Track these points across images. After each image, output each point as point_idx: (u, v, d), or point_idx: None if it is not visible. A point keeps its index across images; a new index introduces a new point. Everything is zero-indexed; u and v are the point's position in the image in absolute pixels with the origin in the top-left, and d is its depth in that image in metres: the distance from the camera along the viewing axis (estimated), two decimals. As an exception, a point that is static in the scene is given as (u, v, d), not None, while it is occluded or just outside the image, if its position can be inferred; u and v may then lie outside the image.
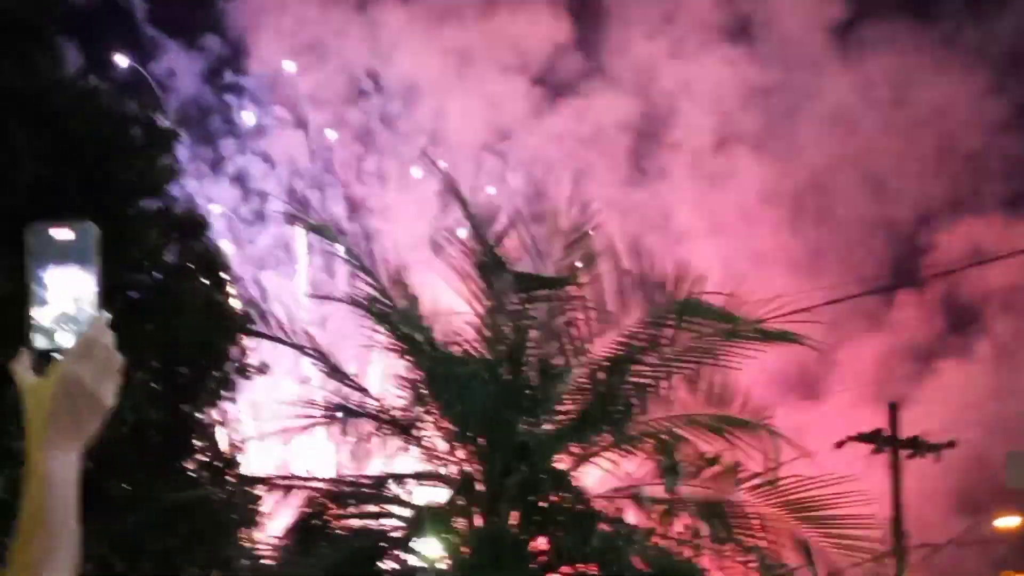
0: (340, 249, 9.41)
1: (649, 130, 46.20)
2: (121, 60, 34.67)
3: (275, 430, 9.79)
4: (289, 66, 43.01)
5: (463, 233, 9.33)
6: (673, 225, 44.00)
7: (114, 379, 1.65)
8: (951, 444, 19.50)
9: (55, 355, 1.64)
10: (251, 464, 13.42)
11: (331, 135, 44.23)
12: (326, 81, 45.18)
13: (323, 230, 9.45)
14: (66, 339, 1.65)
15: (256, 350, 14.00)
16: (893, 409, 19.73)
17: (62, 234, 1.68)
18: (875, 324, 42.28)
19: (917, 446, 19.20)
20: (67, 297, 1.67)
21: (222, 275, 14.16)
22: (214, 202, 42.29)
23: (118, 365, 1.66)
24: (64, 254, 1.67)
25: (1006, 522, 21.88)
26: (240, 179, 44.11)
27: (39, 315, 1.66)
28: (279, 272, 42.09)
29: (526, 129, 46.05)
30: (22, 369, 1.64)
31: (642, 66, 45.89)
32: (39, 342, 1.65)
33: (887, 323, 42.58)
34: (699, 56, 46.02)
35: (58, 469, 1.59)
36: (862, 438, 19.24)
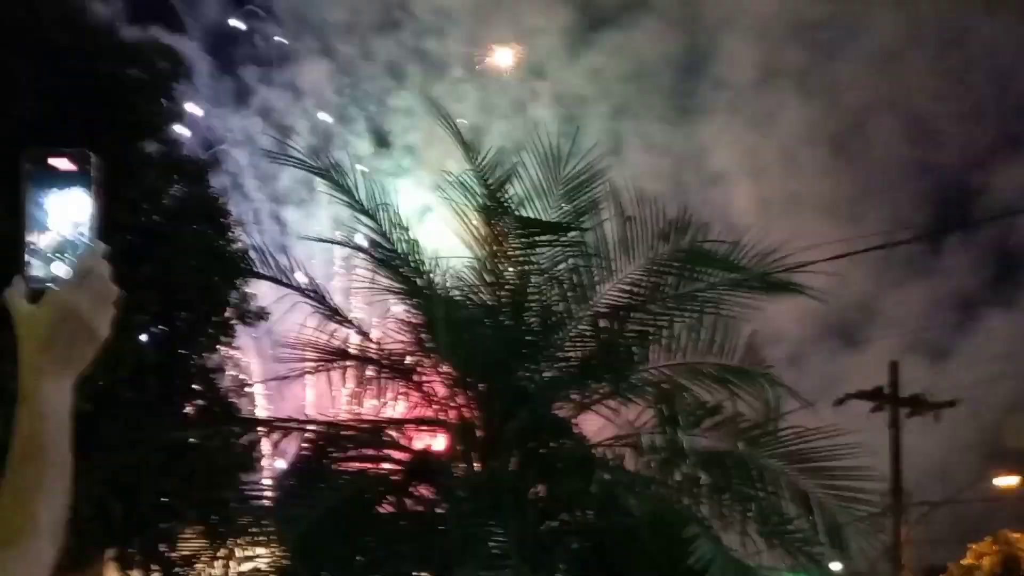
0: (342, 192, 9.26)
1: (690, 65, 45.42)
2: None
3: (277, 374, 9.75)
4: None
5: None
6: (710, 165, 43.45)
7: (109, 310, 1.63)
8: (951, 403, 19.50)
9: (51, 284, 1.61)
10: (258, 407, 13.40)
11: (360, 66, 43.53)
12: (355, 8, 44.42)
13: (323, 173, 9.31)
14: (62, 268, 1.62)
15: (256, 296, 13.96)
16: (894, 367, 19.71)
17: (60, 161, 1.65)
18: (921, 271, 41.74)
19: (917, 404, 19.20)
20: (64, 225, 1.64)
21: (223, 220, 14.09)
22: (235, 135, 41.93)
23: (114, 296, 1.64)
24: (62, 181, 1.64)
25: (1005, 481, 21.97)
26: (264, 112, 43.70)
27: (35, 242, 1.63)
28: (302, 210, 41.73)
29: (563, 63, 45.24)
30: (17, 297, 1.61)
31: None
32: (35, 270, 1.63)
33: (933, 270, 42.03)
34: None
35: (51, 397, 1.58)
36: (863, 395, 19.24)
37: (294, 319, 9.31)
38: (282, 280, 9.12)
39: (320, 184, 9.55)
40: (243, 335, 14.91)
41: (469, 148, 9.15)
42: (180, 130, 13.91)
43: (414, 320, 9.07)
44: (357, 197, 9.21)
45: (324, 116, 44.96)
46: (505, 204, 8.84)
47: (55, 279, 1.61)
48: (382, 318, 9.66)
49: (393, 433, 9.08)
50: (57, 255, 1.62)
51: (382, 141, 45.14)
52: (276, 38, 44.31)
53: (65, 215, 1.63)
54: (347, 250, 9.89)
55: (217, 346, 13.67)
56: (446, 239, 9.22)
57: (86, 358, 1.62)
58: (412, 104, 44.86)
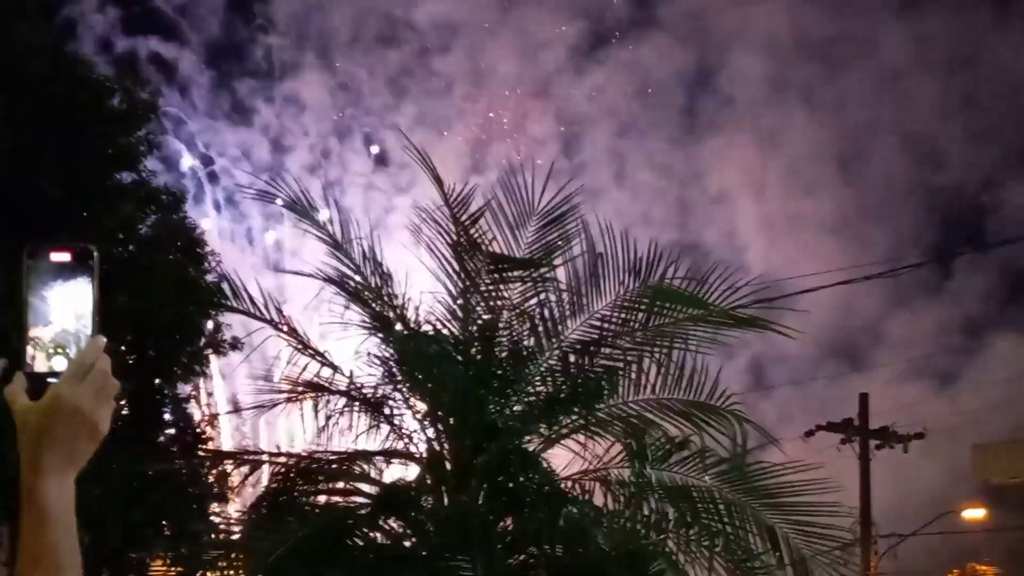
0: (312, 224, 9.30)
1: (697, 82, 45.34)
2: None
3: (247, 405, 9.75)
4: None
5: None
6: (715, 183, 43.21)
7: (110, 404, 1.63)
8: (920, 435, 19.63)
9: (50, 379, 1.61)
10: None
11: (359, 82, 43.33)
12: (356, 22, 44.19)
13: (293, 206, 9.35)
14: (62, 362, 1.62)
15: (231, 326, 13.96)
16: (863, 400, 19.83)
17: (60, 256, 1.65)
18: (930, 292, 41.57)
19: (886, 436, 19.32)
20: (66, 318, 1.63)
21: (198, 249, 14.12)
22: (232, 150, 41.58)
23: (114, 390, 1.63)
24: (62, 275, 1.64)
25: (972, 514, 22.11)
26: (264, 129, 43.36)
27: (37, 336, 1.62)
28: (297, 229, 41.41)
29: (569, 78, 44.93)
30: (16, 392, 1.60)
31: (695, 13, 44.70)
32: (36, 364, 1.62)
33: (942, 291, 41.85)
34: (755, 2, 44.84)
35: (55, 497, 1.56)
36: (832, 427, 19.36)
37: (276, 347, 9.35)
38: (252, 313, 9.15)
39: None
40: (232, 359, 14.82)
41: (441, 183, 9.23)
42: (176, 145, 13.94)
43: (385, 354, 9.11)
44: (330, 230, 9.26)
45: (322, 133, 44.92)
46: (477, 240, 8.92)
47: (56, 374, 1.60)
48: (357, 351, 9.69)
49: (363, 466, 9.11)
50: (58, 349, 1.61)
51: (380, 158, 45.07)
52: (276, 51, 44.29)
53: (66, 308, 1.62)
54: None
55: (190, 376, 13.67)
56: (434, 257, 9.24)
57: (88, 453, 1.61)
58: (412, 121, 44.83)
